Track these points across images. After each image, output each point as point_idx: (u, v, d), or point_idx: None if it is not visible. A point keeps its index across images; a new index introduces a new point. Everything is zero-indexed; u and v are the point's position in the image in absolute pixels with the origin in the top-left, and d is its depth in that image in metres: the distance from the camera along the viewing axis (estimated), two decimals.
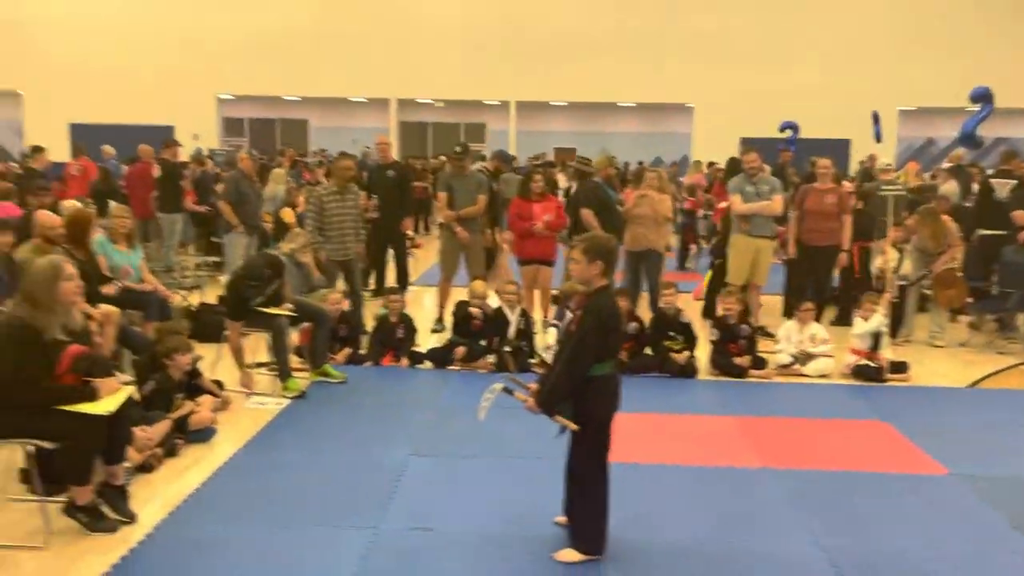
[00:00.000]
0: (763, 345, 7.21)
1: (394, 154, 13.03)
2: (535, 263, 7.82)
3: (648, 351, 6.84)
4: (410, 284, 9.19)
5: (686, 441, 5.35)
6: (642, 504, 4.28)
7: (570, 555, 3.74)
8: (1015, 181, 8.53)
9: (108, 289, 5.95)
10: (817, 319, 7.44)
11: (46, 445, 3.79)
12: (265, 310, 6.04)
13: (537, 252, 7.79)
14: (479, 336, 6.85)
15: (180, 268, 10.25)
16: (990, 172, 10.30)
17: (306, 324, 6.47)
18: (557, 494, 3.86)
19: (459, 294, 7.62)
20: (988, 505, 4.46)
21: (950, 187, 10.84)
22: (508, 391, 3.78)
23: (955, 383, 6.81)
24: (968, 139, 10.53)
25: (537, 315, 7.76)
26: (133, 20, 19.47)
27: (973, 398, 6.54)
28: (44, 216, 5.99)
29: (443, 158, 17.06)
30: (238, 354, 6.13)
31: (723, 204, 8.82)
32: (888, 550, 3.95)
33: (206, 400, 5.39)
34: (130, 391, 4.16)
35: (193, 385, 5.43)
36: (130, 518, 4.00)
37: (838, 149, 16.63)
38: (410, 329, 7.05)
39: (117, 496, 4.04)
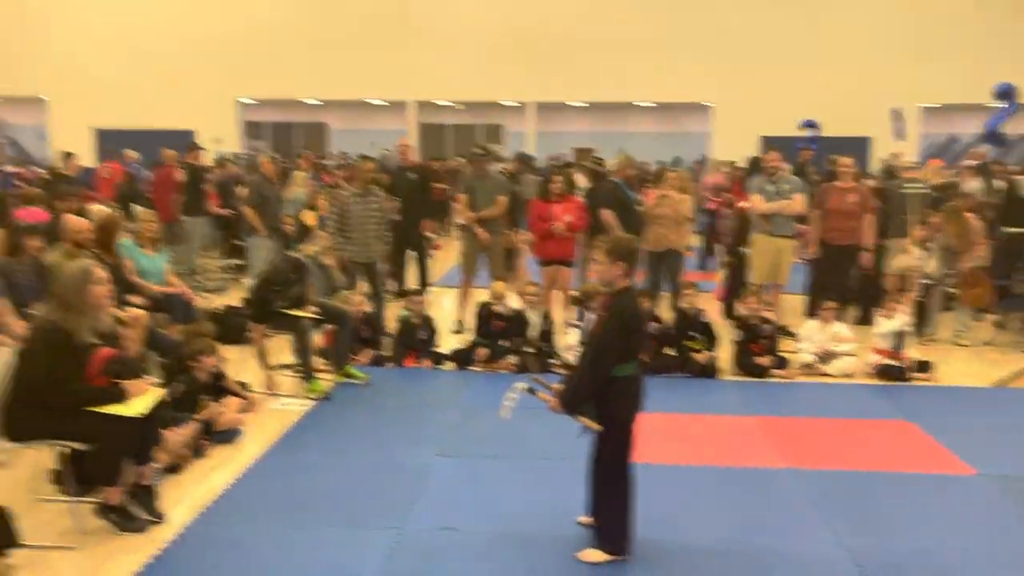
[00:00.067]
0: (784, 345, 7.18)
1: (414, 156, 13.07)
2: (555, 264, 7.83)
3: (669, 351, 6.84)
4: (430, 285, 9.24)
5: (709, 441, 5.35)
6: (666, 504, 4.28)
7: (594, 555, 3.75)
8: None
9: (136, 300, 6.00)
10: (839, 318, 7.40)
11: (79, 446, 3.85)
12: (289, 312, 6.10)
13: (558, 253, 7.80)
14: (500, 337, 6.87)
15: (203, 271, 10.36)
16: (1015, 169, 10.19)
17: (329, 326, 6.53)
18: (581, 494, 3.87)
19: (479, 295, 7.65)
20: (1018, 505, 4.43)
21: (974, 185, 10.73)
22: (531, 391, 3.80)
23: (980, 382, 6.76)
24: (992, 137, 10.42)
25: (557, 316, 7.77)
26: (155, 27, 19.67)
27: (999, 397, 6.48)
28: (73, 220, 6.09)
29: (461, 159, 17.12)
30: (262, 356, 6.19)
31: (743, 204, 8.79)
32: (914, 550, 3.93)
33: (232, 402, 5.46)
34: (161, 393, 4.22)
35: (218, 387, 5.50)
36: (159, 518, 4.06)
37: (859, 147, 16.49)
38: (432, 330, 7.09)
39: (147, 496, 4.10)
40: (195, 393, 5.19)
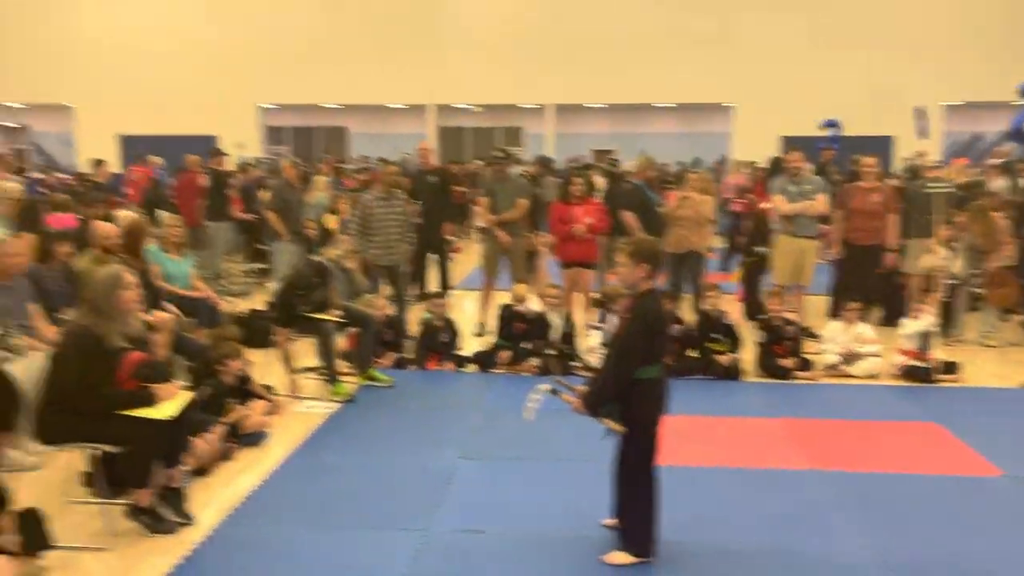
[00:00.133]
0: (807, 346, 7.14)
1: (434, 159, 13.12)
2: (576, 266, 7.84)
3: (692, 353, 6.83)
4: (451, 288, 9.27)
5: (733, 443, 5.33)
6: (691, 506, 4.28)
7: (619, 557, 3.76)
8: None
9: (169, 307, 6.06)
10: (863, 319, 7.34)
11: (110, 449, 3.92)
12: (313, 316, 6.15)
13: (579, 255, 7.80)
14: (522, 339, 6.89)
15: (228, 275, 10.47)
16: None
17: (352, 329, 6.57)
18: (605, 496, 3.88)
19: (500, 298, 7.68)
20: None
21: (1000, 183, 10.61)
22: (555, 392, 3.82)
23: (1007, 383, 6.68)
24: (1017, 135, 10.31)
25: (578, 318, 7.78)
26: (178, 35, 19.93)
27: None
28: (101, 226, 6.18)
29: (480, 162, 17.15)
30: (287, 359, 6.26)
31: (764, 204, 8.75)
32: (941, 552, 3.90)
33: (258, 405, 5.51)
34: (190, 396, 4.27)
35: (244, 390, 5.56)
36: (189, 520, 4.12)
37: (881, 146, 16.34)
38: (454, 333, 7.12)
39: (176, 498, 4.15)
40: (221, 396, 5.25)
